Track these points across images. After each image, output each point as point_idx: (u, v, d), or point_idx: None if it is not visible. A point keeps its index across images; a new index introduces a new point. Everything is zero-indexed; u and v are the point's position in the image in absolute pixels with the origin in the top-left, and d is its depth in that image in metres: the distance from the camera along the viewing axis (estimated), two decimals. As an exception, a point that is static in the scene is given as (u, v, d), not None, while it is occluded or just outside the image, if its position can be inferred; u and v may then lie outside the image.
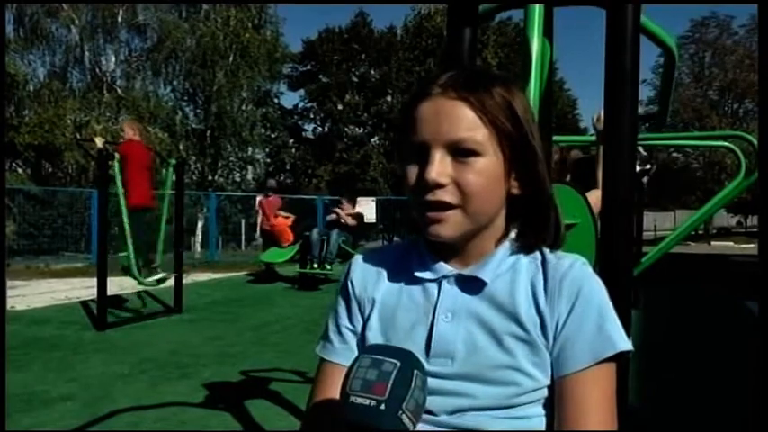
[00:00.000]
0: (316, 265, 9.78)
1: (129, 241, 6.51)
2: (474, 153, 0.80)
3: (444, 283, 0.86)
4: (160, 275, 7.14)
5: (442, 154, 0.80)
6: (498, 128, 0.81)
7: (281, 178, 29.99)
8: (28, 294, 8.58)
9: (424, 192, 0.81)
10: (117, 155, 6.69)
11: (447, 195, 0.81)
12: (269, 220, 11.07)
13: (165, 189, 7.72)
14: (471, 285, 0.85)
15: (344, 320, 0.91)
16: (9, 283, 9.18)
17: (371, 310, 0.89)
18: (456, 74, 0.84)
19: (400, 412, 0.68)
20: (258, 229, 11.97)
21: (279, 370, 4.49)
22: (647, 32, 1.70)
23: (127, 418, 3.51)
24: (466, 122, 0.80)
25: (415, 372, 0.70)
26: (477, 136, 0.80)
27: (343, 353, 0.89)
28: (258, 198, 12.54)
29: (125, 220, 6.44)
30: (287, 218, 11.36)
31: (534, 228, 0.87)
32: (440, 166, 0.80)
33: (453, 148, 0.80)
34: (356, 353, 0.88)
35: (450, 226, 0.82)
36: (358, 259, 0.95)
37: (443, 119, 0.81)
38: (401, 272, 0.90)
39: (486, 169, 0.81)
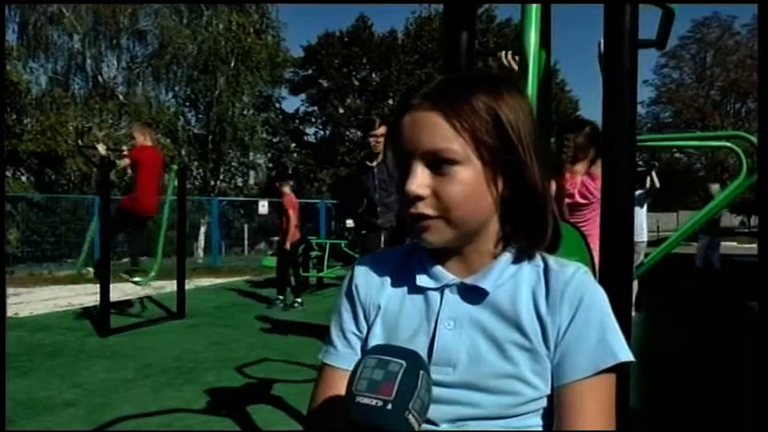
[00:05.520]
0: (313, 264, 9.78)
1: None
2: (452, 163, 0.80)
3: (447, 291, 0.85)
4: (136, 279, 7.11)
5: (422, 166, 0.81)
6: (477, 136, 0.80)
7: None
8: (31, 301, 8.58)
9: (407, 204, 0.81)
10: (122, 161, 6.72)
11: (427, 208, 0.81)
12: None
13: (167, 195, 7.71)
14: (473, 294, 0.84)
15: (350, 325, 0.90)
16: (13, 290, 9.22)
17: (376, 316, 0.88)
18: (438, 83, 0.84)
19: (407, 412, 0.67)
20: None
21: (282, 374, 4.48)
22: None
23: (130, 424, 3.50)
24: (441, 133, 0.79)
25: (421, 372, 0.70)
26: (453, 146, 0.79)
27: (347, 357, 0.88)
28: None
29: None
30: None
31: (527, 230, 0.85)
32: (419, 178, 0.80)
33: (432, 160, 0.80)
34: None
35: (434, 234, 0.82)
36: (361, 264, 0.95)
37: (420, 130, 0.81)
38: (403, 278, 0.90)
39: (467, 179, 0.80)
